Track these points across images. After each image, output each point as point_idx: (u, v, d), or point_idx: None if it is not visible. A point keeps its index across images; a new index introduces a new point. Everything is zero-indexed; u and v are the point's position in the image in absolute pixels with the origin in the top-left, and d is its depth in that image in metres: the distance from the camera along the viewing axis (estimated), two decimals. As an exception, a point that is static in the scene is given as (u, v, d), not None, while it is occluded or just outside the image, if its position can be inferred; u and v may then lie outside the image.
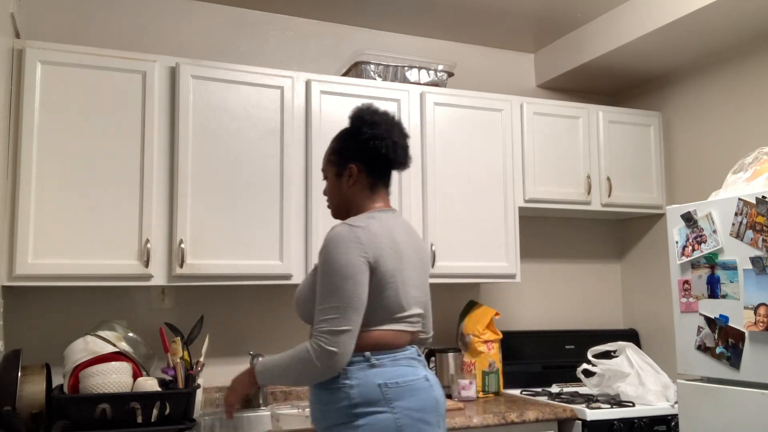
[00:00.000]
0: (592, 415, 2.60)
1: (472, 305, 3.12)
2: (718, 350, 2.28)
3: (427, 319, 1.99)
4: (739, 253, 2.22)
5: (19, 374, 2.04)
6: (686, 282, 2.42)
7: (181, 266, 2.43)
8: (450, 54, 3.46)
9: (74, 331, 2.55)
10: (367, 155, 1.85)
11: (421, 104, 2.91)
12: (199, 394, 2.46)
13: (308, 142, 2.69)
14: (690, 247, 2.40)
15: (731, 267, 2.25)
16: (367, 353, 1.71)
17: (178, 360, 2.36)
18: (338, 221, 1.83)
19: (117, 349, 2.28)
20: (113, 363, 2.21)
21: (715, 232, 2.31)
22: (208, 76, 2.56)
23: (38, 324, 2.59)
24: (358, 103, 2.76)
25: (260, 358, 1.91)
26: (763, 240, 2.14)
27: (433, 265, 2.82)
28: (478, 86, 3.44)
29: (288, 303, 2.94)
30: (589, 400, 2.80)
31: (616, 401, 2.77)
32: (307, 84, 2.72)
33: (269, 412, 2.49)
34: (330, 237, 1.73)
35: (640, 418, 2.67)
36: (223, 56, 2.99)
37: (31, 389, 2.17)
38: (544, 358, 3.32)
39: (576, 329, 3.49)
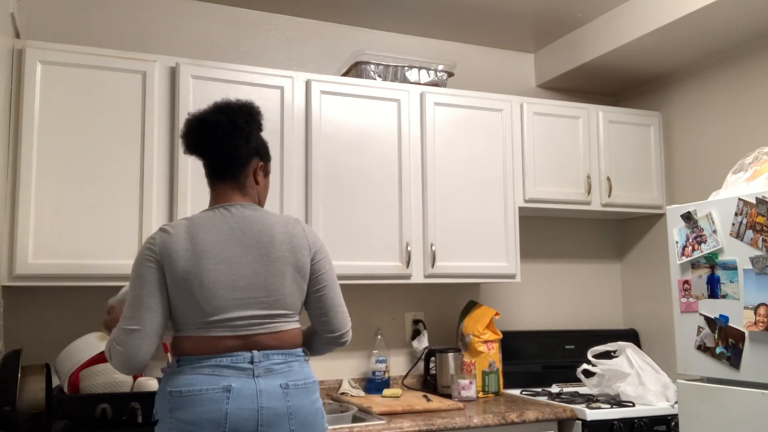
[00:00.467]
0: (592, 415, 2.60)
1: (472, 305, 3.12)
2: (718, 350, 2.28)
3: (328, 315, 1.86)
4: (739, 253, 2.22)
5: (19, 374, 2.04)
6: (686, 282, 2.42)
7: (181, 266, 2.42)
8: (450, 54, 3.46)
9: (74, 331, 2.55)
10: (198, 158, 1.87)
11: (421, 104, 2.91)
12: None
13: (308, 142, 2.69)
14: (690, 247, 2.40)
15: (731, 267, 2.25)
16: (176, 359, 1.69)
17: None
18: None
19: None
20: (113, 363, 2.21)
21: (715, 232, 2.31)
22: (208, 76, 2.56)
23: (38, 324, 2.59)
24: (359, 103, 2.78)
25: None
26: (763, 240, 2.14)
27: (433, 265, 2.82)
28: (478, 86, 3.44)
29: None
30: (589, 400, 2.80)
31: (616, 401, 2.77)
32: (307, 84, 2.72)
33: None
34: None
35: (640, 418, 2.67)
36: (223, 56, 2.99)
37: (31, 389, 2.16)
38: (544, 358, 3.32)
39: (576, 329, 3.49)
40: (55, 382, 2.36)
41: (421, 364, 3.13)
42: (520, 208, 3.11)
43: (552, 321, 3.52)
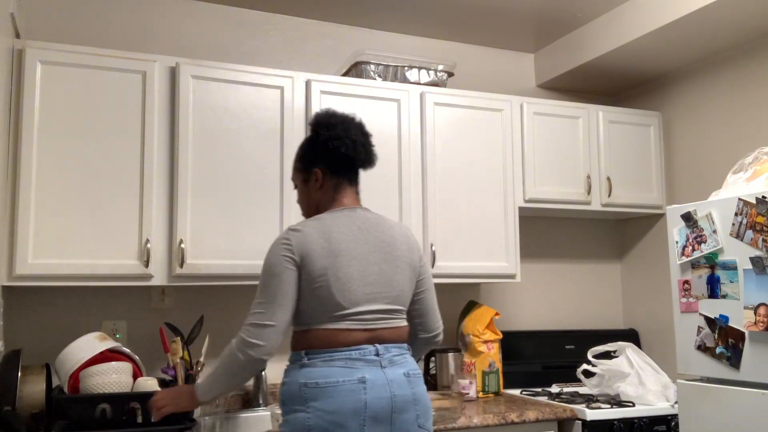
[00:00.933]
0: (592, 415, 2.60)
1: (472, 305, 3.12)
2: (718, 350, 2.28)
3: (426, 316, 2.00)
4: (739, 253, 2.22)
5: (19, 374, 2.04)
6: (686, 282, 2.42)
7: (181, 266, 2.43)
8: (450, 54, 3.46)
9: (74, 331, 2.55)
10: (328, 157, 1.91)
11: (421, 104, 2.91)
12: (199, 394, 2.45)
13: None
14: (690, 247, 2.40)
15: (731, 267, 2.25)
16: (302, 352, 1.77)
17: (178, 360, 2.36)
18: None
19: (117, 349, 2.29)
20: (113, 363, 2.21)
21: (715, 232, 2.31)
22: (208, 76, 2.56)
23: (38, 324, 2.59)
24: (359, 103, 2.78)
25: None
26: (763, 240, 2.14)
27: (433, 265, 2.82)
28: (478, 86, 3.44)
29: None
30: (589, 400, 2.80)
31: (616, 401, 2.77)
32: (307, 84, 2.72)
33: (269, 412, 2.49)
34: (273, 242, 1.83)
35: (640, 418, 2.67)
36: (223, 56, 2.99)
37: (31, 389, 2.17)
38: (544, 358, 3.32)
39: (576, 329, 3.49)
40: (55, 382, 2.36)
41: (421, 364, 3.13)
42: (520, 208, 3.11)
43: (552, 321, 3.52)
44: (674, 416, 2.68)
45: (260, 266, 2.58)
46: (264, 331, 1.73)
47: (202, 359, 2.41)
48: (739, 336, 2.20)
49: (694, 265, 2.39)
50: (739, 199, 2.23)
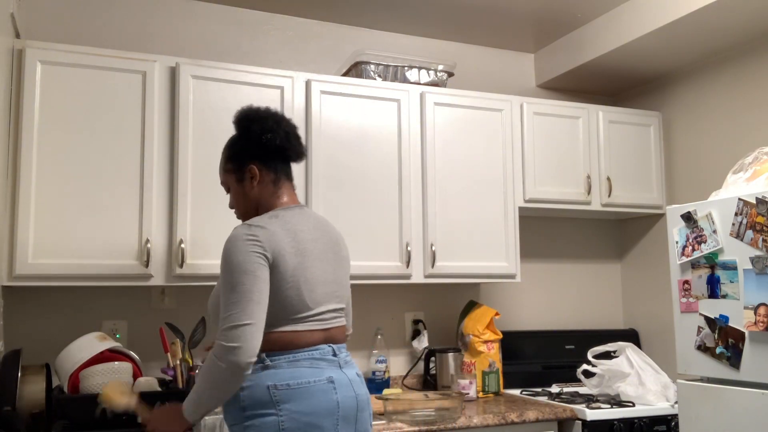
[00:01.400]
0: (592, 415, 2.60)
1: (472, 305, 3.12)
2: (718, 350, 2.28)
3: (349, 315, 1.98)
4: (739, 253, 2.22)
5: (19, 374, 2.04)
6: (686, 282, 2.42)
7: (181, 266, 2.43)
8: (450, 54, 3.46)
9: (74, 331, 2.55)
10: (262, 151, 1.84)
11: (421, 104, 2.91)
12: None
13: (308, 142, 2.69)
14: (690, 247, 2.40)
15: (731, 267, 2.25)
16: (263, 354, 1.67)
17: (178, 362, 2.36)
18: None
19: (117, 349, 2.29)
20: (113, 363, 2.21)
21: (715, 232, 2.31)
22: (208, 76, 2.56)
23: (38, 324, 2.59)
24: (359, 103, 2.78)
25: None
26: (763, 240, 2.14)
27: (433, 265, 2.82)
28: (478, 86, 3.44)
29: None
30: (589, 400, 2.80)
31: (616, 401, 2.77)
32: (307, 84, 2.72)
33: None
34: (228, 238, 1.72)
35: (640, 418, 2.67)
36: (223, 56, 2.99)
37: (31, 389, 2.17)
38: (544, 358, 3.32)
39: (576, 329, 3.49)
40: (55, 382, 2.36)
41: (421, 364, 3.13)
42: (520, 208, 3.11)
43: (552, 321, 3.52)
44: (674, 416, 2.68)
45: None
46: (243, 330, 1.61)
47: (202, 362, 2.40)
48: (739, 336, 2.20)
49: (694, 265, 2.39)
50: (739, 199, 2.23)
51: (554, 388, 3.13)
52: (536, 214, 3.41)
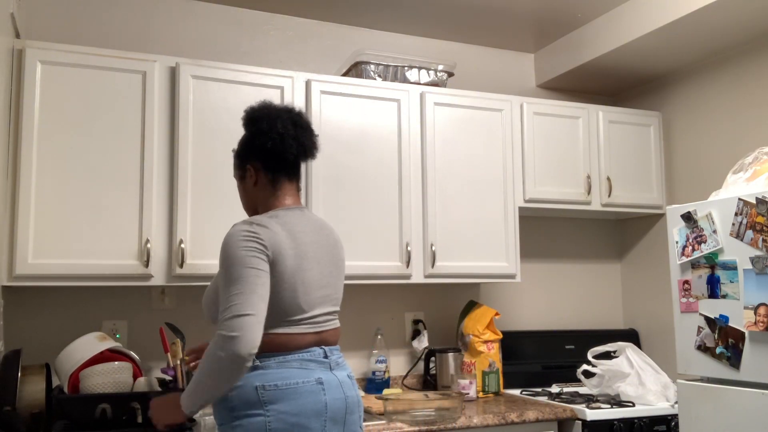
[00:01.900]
0: (592, 415, 2.60)
1: (472, 305, 3.12)
2: (718, 350, 2.28)
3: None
4: (739, 253, 2.22)
5: (19, 374, 2.04)
6: (686, 282, 2.42)
7: (181, 266, 2.43)
8: (450, 54, 3.46)
9: (74, 331, 2.55)
10: (257, 153, 1.84)
11: (421, 104, 2.91)
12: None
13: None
14: (690, 247, 2.40)
15: (731, 267, 2.25)
16: (255, 356, 1.64)
17: (178, 362, 2.36)
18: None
19: (117, 349, 2.29)
20: (114, 363, 2.22)
21: (715, 232, 2.31)
22: (208, 76, 2.56)
23: (38, 324, 2.59)
24: (359, 103, 2.78)
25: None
26: (763, 240, 2.14)
27: (433, 265, 2.82)
28: (478, 86, 3.44)
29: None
30: (589, 400, 2.80)
31: (616, 401, 2.77)
32: (307, 84, 2.72)
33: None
34: (229, 233, 1.70)
35: (640, 418, 2.67)
36: (223, 56, 2.99)
37: (31, 389, 2.17)
38: (544, 358, 3.32)
39: (576, 329, 3.49)
40: (55, 382, 2.36)
41: (421, 364, 3.14)
42: (520, 208, 3.11)
43: (552, 321, 3.52)
44: (674, 416, 2.68)
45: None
46: (244, 320, 1.57)
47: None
48: (739, 336, 2.20)
49: (694, 265, 2.39)
50: (739, 199, 2.23)
51: (554, 388, 3.13)
52: (536, 214, 3.41)
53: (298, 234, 1.77)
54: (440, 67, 3.04)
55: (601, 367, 2.89)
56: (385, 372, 2.96)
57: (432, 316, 3.24)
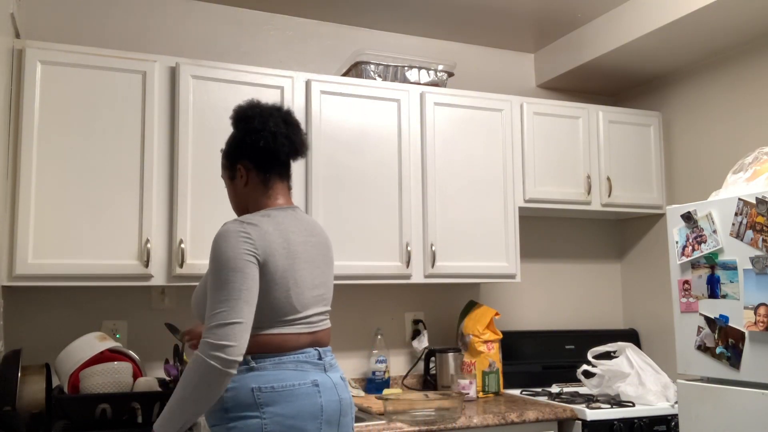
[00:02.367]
0: (592, 415, 2.60)
1: (472, 305, 3.12)
2: (718, 350, 2.28)
3: None
4: (739, 253, 2.22)
5: (19, 374, 2.04)
6: (686, 282, 2.42)
7: (181, 266, 2.43)
8: (450, 54, 3.46)
9: (74, 331, 2.55)
10: (248, 151, 1.82)
11: (421, 104, 2.91)
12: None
13: (308, 142, 2.69)
14: (690, 247, 2.40)
15: (731, 267, 2.25)
16: (248, 357, 1.64)
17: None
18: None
19: (118, 349, 2.29)
20: (113, 363, 2.22)
21: (715, 232, 2.31)
22: (208, 76, 2.56)
23: (38, 324, 2.59)
24: (359, 103, 2.78)
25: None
26: (763, 240, 2.14)
27: (433, 265, 2.82)
28: (478, 86, 3.44)
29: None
30: (589, 400, 2.80)
31: (616, 401, 2.77)
32: (307, 84, 2.72)
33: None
34: (219, 233, 1.68)
35: (640, 418, 2.67)
36: (223, 56, 2.99)
37: (31, 389, 2.17)
38: (544, 358, 3.32)
39: (576, 329, 3.49)
40: (55, 382, 2.36)
41: (421, 364, 3.14)
42: (520, 208, 3.11)
43: (552, 321, 3.52)
44: (674, 416, 2.68)
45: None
46: (232, 329, 1.56)
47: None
48: (739, 336, 2.20)
49: (694, 265, 2.39)
50: (739, 199, 2.23)
51: (554, 388, 3.13)
52: (536, 214, 3.41)
53: (290, 234, 1.76)
54: (440, 67, 3.04)
55: (601, 367, 2.88)
56: (385, 372, 2.96)
57: (432, 316, 3.24)
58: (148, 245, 2.39)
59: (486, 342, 2.99)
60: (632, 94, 3.70)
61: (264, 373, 1.65)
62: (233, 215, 2.50)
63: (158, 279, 2.43)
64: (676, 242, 2.46)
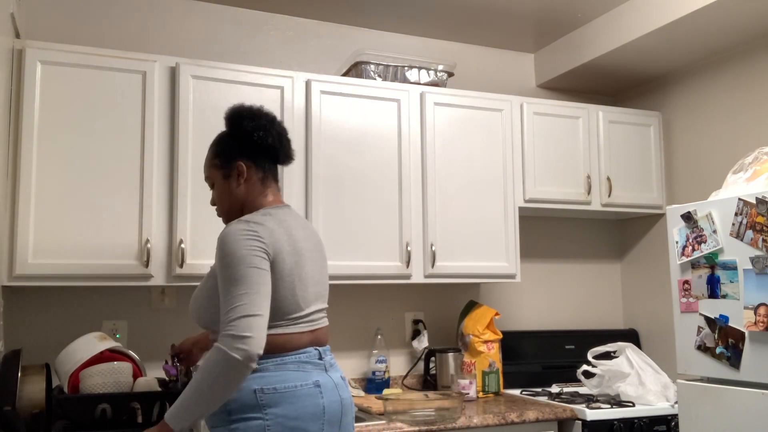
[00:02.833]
0: (592, 415, 2.60)
1: (472, 305, 3.12)
2: (718, 350, 2.28)
3: None
4: (739, 253, 2.22)
5: (19, 374, 2.04)
6: (686, 282, 2.42)
7: (181, 266, 2.43)
8: (450, 54, 3.46)
9: (74, 331, 2.55)
10: (252, 149, 1.82)
11: (421, 104, 2.91)
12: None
13: (308, 142, 2.69)
14: (690, 247, 2.40)
15: (731, 267, 2.25)
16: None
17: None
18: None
19: (117, 349, 2.29)
20: (113, 363, 2.21)
21: (715, 232, 2.31)
22: (208, 76, 2.56)
23: (38, 324, 2.59)
24: (359, 103, 2.78)
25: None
26: (763, 240, 2.14)
27: (433, 265, 2.82)
28: (478, 86, 3.44)
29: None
30: (589, 400, 2.80)
31: (616, 401, 2.77)
32: (307, 84, 2.72)
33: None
34: (226, 232, 1.67)
35: (640, 418, 2.67)
36: (223, 56, 2.99)
37: (31, 389, 2.17)
38: (544, 358, 3.32)
39: (576, 329, 3.49)
40: (55, 382, 2.36)
41: (421, 364, 3.14)
42: (520, 208, 3.11)
43: (552, 321, 3.52)
44: (674, 416, 2.68)
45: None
46: (254, 320, 1.56)
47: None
48: (739, 336, 2.20)
49: (694, 265, 2.39)
50: (739, 199, 2.23)
51: (554, 388, 3.13)
52: (536, 214, 3.41)
53: (293, 231, 1.77)
54: (440, 67, 3.04)
55: (601, 367, 2.88)
56: (385, 372, 2.96)
57: (432, 316, 3.24)
58: (148, 245, 2.39)
59: (486, 342, 2.99)
60: (632, 94, 3.70)
61: (266, 374, 1.64)
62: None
63: (158, 279, 2.43)
64: (676, 242, 2.46)
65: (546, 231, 3.56)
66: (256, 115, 1.83)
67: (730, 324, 2.24)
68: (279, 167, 1.92)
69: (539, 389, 3.12)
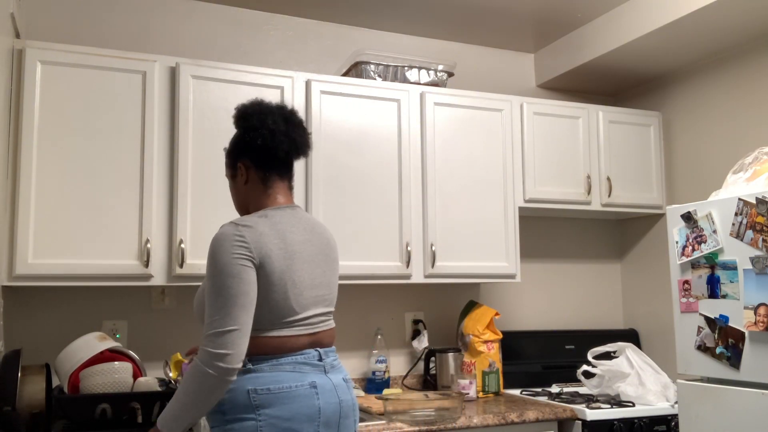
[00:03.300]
0: (592, 415, 2.60)
1: (472, 305, 3.12)
2: (718, 350, 2.28)
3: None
4: (739, 253, 2.22)
5: (19, 374, 2.04)
6: (686, 282, 2.42)
7: (181, 266, 2.43)
8: (450, 54, 3.46)
9: (74, 331, 2.55)
10: (248, 150, 1.82)
11: (421, 104, 2.91)
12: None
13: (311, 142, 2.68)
14: (690, 247, 2.40)
15: (731, 267, 2.25)
16: (246, 359, 1.64)
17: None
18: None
19: (117, 349, 2.29)
20: (113, 363, 2.21)
21: (715, 232, 2.31)
22: (208, 76, 2.56)
23: (38, 324, 2.59)
24: (359, 103, 2.78)
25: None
26: (763, 240, 2.14)
27: (433, 265, 2.82)
28: (478, 86, 3.44)
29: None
30: (589, 400, 2.80)
31: (616, 401, 2.77)
32: (307, 84, 2.73)
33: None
34: (215, 237, 1.69)
35: (640, 418, 2.67)
36: (223, 56, 2.99)
37: (31, 389, 2.17)
38: (544, 358, 3.32)
39: (576, 329, 3.49)
40: (55, 382, 2.36)
41: (421, 364, 3.14)
42: (520, 208, 3.11)
43: (552, 321, 3.52)
44: (674, 416, 2.68)
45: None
46: (228, 336, 1.57)
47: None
48: (739, 336, 2.20)
49: (694, 265, 2.39)
50: (739, 199, 2.23)
51: (554, 388, 3.13)
52: (536, 214, 3.41)
53: (288, 233, 1.75)
54: (440, 67, 3.04)
55: (601, 367, 2.88)
56: (385, 372, 2.96)
57: (432, 316, 3.24)
58: (148, 245, 2.39)
59: (486, 342, 2.99)
60: (632, 94, 3.70)
61: (261, 375, 1.64)
62: (234, 215, 2.50)
63: (158, 279, 2.43)
64: (676, 242, 2.46)
65: (546, 231, 3.56)
66: (247, 115, 1.83)
67: (730, 324, 2.24)
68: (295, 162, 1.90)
69: (539, 389, 3.12)
